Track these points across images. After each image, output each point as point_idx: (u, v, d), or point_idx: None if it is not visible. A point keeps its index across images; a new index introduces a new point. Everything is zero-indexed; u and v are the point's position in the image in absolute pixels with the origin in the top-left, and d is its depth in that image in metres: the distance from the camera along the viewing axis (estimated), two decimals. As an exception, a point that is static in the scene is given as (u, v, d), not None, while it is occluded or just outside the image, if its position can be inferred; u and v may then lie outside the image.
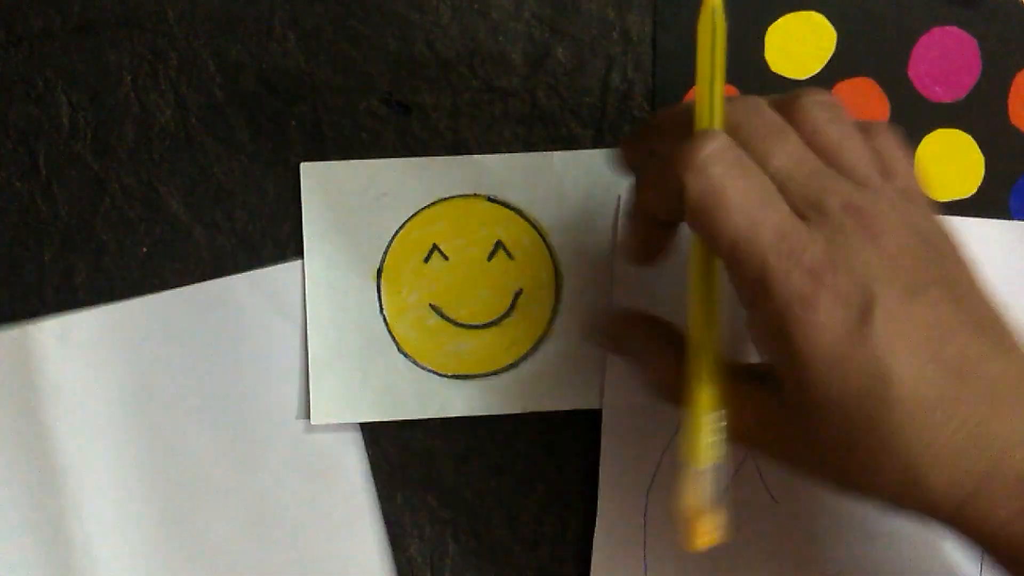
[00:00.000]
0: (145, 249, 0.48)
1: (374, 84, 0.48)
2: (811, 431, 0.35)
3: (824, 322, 0.33)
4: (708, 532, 0.37)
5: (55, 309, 0.48)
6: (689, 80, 0.48)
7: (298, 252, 0.48)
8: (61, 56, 0.48)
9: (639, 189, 0.40)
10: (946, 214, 0.48)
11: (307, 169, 0.48)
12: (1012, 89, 0.49)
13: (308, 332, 0.48)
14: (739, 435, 0.38)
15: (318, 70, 0.48)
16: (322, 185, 0.48)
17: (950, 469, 0.33)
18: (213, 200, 0.48)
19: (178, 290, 0.48)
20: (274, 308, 0.48)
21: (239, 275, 0.48)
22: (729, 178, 0.35)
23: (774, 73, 0.48)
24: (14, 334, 0.47)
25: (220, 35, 0.48)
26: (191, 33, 0.48)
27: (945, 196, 0.49)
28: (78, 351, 0.47)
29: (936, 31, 0.49)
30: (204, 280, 0.48)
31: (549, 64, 0.49)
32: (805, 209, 0.35)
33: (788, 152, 0.36)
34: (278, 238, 0.48)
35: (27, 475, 0.47)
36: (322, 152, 0.48)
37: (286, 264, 0.48)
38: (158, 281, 0.48)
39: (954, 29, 0.49)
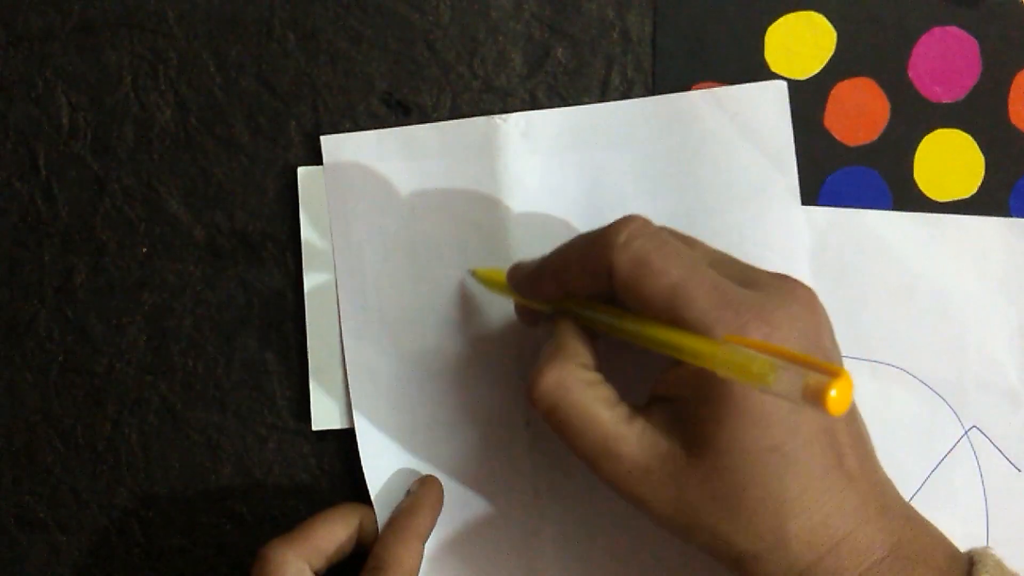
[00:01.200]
0: (145, 249, 0.48)
1: (374, 84, 0.48)
2: (707, 477, 0.36)
3: None
4: None
5: (55, 309, 0.48)
6: (688, 79, 0.48)
7: (311, 249, 0.48)
8: (61, 56, 0.48)
9: (555, 282, 0.40)
10: (946, 214, 0.48)
11: (304, 174, 0.48)
12: (1012, 89, 0.49)
13: (308, 339, 0.48)
14: (620, 476, 0.38)
15: (318, 70, 0.48)
16: (319, 189, 0.48)
17: (811, 535, 0.35)
18: (213, 200, 0.48)
19: (641, 100, 0.48)
20: (736, 128, 0.47)
21: (703, 91, 0.48)
22: (654, 247, 0.37)
23: (774, 73, 0.48)
24: (481, 123, 0.48)
25: (220, 35, 0.48)
26: (191, 33, 0.48)
27: (945, 196, 0.49)
28: (538, 146, 0.47)
29: (936, 31, 0.49)
30: (203, 279, 0.48)
31: (549, 64, 0.49)
32: (734, 278, 0.37)
33: (705, 248, 0.41)
34: (278, 238, 0.48)
35: (489, 262, 0.47)
36: (322, 152, 0.48)
37: (754, 84, 0.48)
38: (158, 281, 0.48)
39: (954, 29, 0.49)
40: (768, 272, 0.38)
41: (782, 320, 0.35)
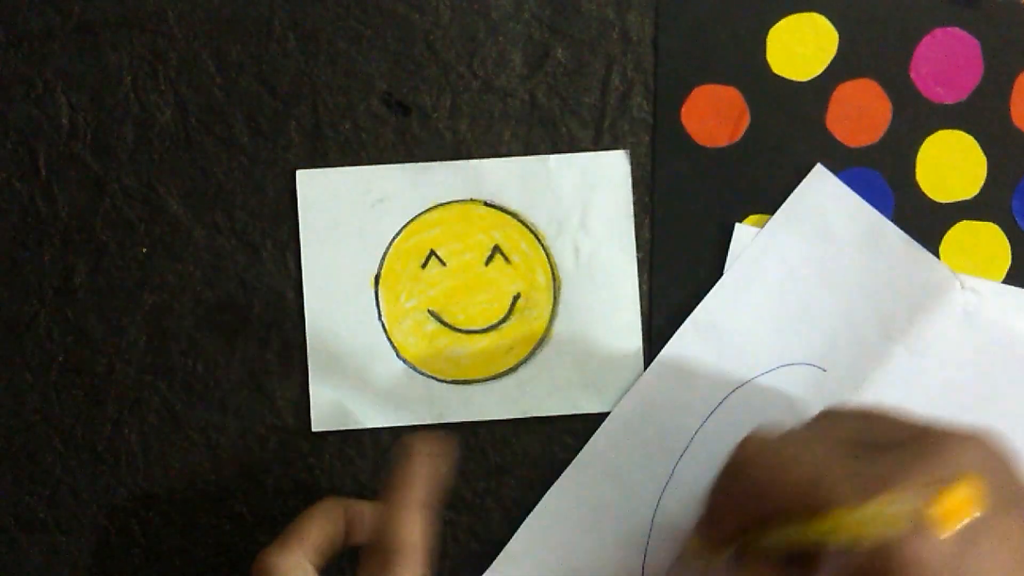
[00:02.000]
0: (145, 249, 0.48)
1: (374, 84, 0.48)
2: None
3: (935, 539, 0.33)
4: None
5: (55, 309, 0.48)
6: (689, 80, 0.48)
7: (311, 249, 0.48)
8: (61, 57, 0.48)
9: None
10: (948, 216, 0.48)
11: (303, 176, 0.48)
12: (1014, 90, 0.48)
13: (308, 339, 0.48)
14: None
15: (318, 70, 0.48)
16: (318, 192, 0.48)
17: None
18: (213, 200, 0.48)
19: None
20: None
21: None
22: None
23: (776, 75, 0.48)
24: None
25: (220, 35, 0.48)
26: (191, 34, 0.48)
27: (947, 197, 0.48)
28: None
29: (938, 32, 0.48)
30: (203, 280, 0.48)
31: (549, 64, 0.49)
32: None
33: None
34: (278, 238, 0.48)
35: None
36: (322, 152, 0.48)
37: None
38: (158, 281, 0.48)
39: (956, 30, 0.48)
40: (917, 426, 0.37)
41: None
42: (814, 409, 0.47)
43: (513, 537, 0.48)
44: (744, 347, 0.48)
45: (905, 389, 0.47)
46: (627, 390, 0.48)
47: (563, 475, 0.48)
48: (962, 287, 0.48)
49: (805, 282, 0.48)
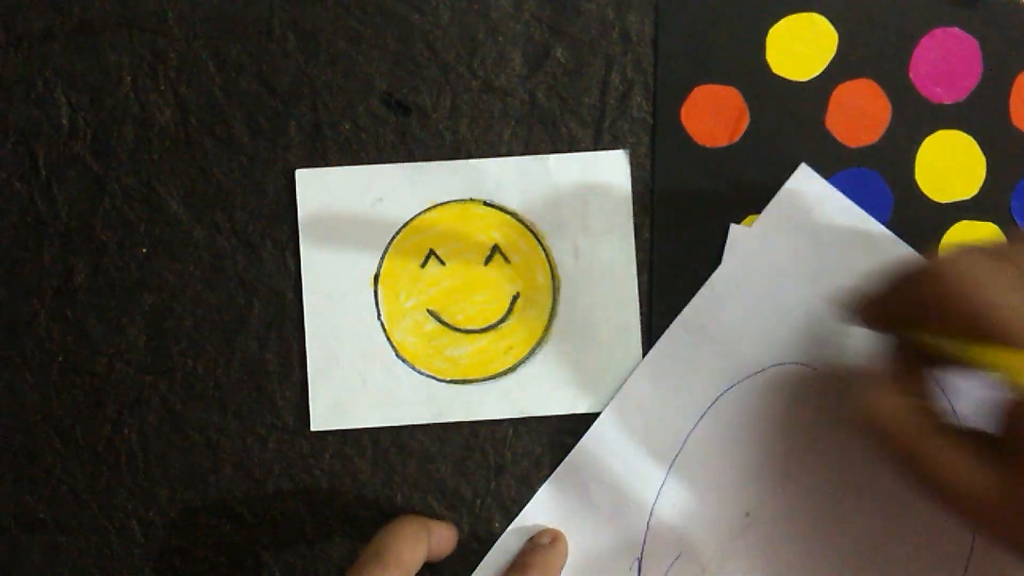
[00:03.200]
0: (145, 249, 0.48)
1: (373, 84, 0.48)
2: None
3: None
4: None
5: (55, 309, 0.48)
6: (689, 80, 0.48)
7: (310, 249, 0.48)
8: (61, 57, 0.48)
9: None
10: (947, 216, 0.48)
11: (302, 176, 0.48)
12: (1013, 90, 0.48)
13: (307, 339, 0.48)
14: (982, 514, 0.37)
15: (318, 70, 0.48)
16: (318, 191, 0.48)
17: None
18: (213, 200, 0.48)
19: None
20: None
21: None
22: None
23: (775, 75, 0.48)
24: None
25: (220, 36, 0.48)
26: (191, 34, 0.48)
27: (946, 197, 0.48)
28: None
29: (937, 32, 0.48)
30: (203, 280, 0.48)
31: (549, 64, 0.49)
32: None
33: None
34: (277, 238, 0.48)
35: None
36: (322, 152, 0.48)
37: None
38: (158, 281, 0.48)
39: (955, 30, 0.48)
40: None
41: None
42: (805, 409, 0.47)
43: (501, 536, 0.48)
44: (734, 347, 0.48)
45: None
46: (615, 392, 0.48)
47: (550, 479, 0.48)
48: None
49: (793, 281, 0.48)
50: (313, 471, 0.48)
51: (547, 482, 0.48)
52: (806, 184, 0.48)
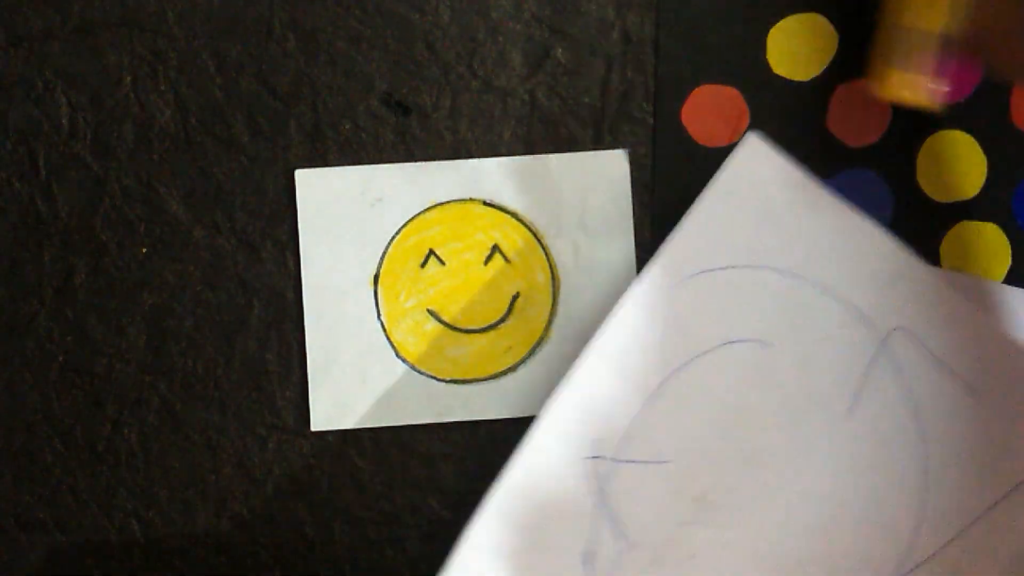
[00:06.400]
0: (145, 250, 0.48)
1: (374, 85, 0.48)
2: None
3: None
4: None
5: (55, 309, 0.48)
6: (689, 80, 0.48)
7: (310, 249, 0.48)
8: (61, 57, 0.48)
9: None
10: (948, 216, 0.48)
11: (302, 176, 0.48)
12: (1015, 90, 0.48)
13: (307, 339, 0.48)
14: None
15: (318, 70, 0.48)
16: (317, 192, 0.48)
17: None
18: (213, 201, 0.48)
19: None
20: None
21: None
22: None
23: (776, 75, 0.48)
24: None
25: (220, 36, 0.48)
26: (191, 34, 0.48)
27: (947, 197, 0.48)
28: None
29: (938, 32, 0.48)
30: (203, 280, 0.48)
31: (549, 64, 0.49)
32: None
33: None
34: (278, 238, 0.48)
35: None
36: (322, 152, 0.48)
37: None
38: (158, 281, 0.48)
39: (956, 30, 0.48)
40: None
41: None
42: (756, 386, 0.47)
43: (459, 544, 0.48)
44: (685, 326, 0.47)
45: (849, 354, 0.47)
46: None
47: (496, 481, 0.47)
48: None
49: (744, 255, 0.47)
50: (313, 471, 0.48)
51: (496, 486, 0.47)
52: (755, 155, 0.47)
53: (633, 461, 0.47)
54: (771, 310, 0.47)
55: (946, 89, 0.44)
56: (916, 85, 0.44)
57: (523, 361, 0.48)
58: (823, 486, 0.47)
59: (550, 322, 0.48)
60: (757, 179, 0.47)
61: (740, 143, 0.47)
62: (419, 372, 0.48)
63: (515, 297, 0.48)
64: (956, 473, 0.47)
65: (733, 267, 0.47)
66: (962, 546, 0.47)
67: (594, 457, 0.47)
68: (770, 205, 0.47)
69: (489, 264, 0.48)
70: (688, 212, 0.47)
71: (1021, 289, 0.48)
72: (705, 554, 0.47)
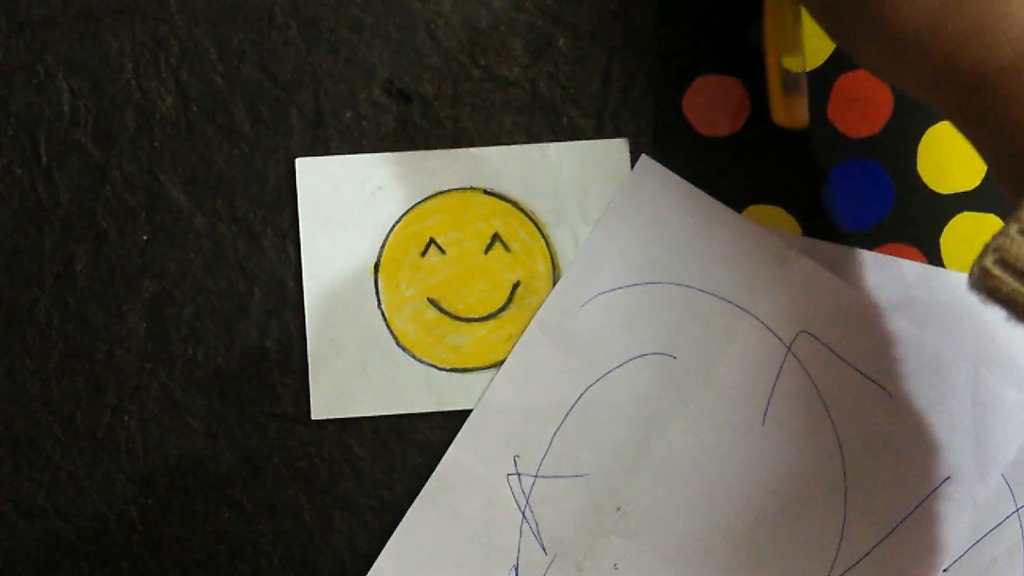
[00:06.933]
0: (146, 237, 0.48)
1: (375, 73, 0.48)
2: None
3: None
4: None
5: (55, 296, 0.48)
6: (690, 70, 0.48)
7: (311, 237, 0.48)
8: (62, 44, 0.48)
9: None
10: (949, 206, 0.48)
11: (303, 164, 0.48)
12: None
13: (307, 327, 0.48)
14: None
15: (319, 59, 0.48)
16: (318, 180, 0.48)
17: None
18: (214, 188, 0.48)
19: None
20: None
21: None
22: None
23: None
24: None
25: (221, 23, 0.48)
26: (192, 21, 0.48)
27: (948, 188, 0.48)
28: None
29: (940, 23, 0.48)
30: (203, 267, 0.48)
31: (550, 54, 0.49)
32: None
33: None
34: (279, 226, 0.48)
35: None
36: (323, 140, 0.48)
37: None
38: (158, 269, 0.48)
39: (958, 21, 0.48)
40: None
41: None
42: (667, 398, 0.47)
43: (380, 555, 0.48)
44: (592, 344, 0.48)
45: (756, 361, 0.48)
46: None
47: (418, 497, 0.48)
48: (799, 254, 0.48)
49: (646, 272, 0.48)
50: (313, 459, 0.48)
51: (415, 501, 0.48)
52: (648, 174, 0.48)
53: (553, 476, 0.48)
54: (675, 323, 0.48)
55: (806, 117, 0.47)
56: (793, 111, 0.46)
57: (523, 350, 0.49)
58: (741, 493, 0.48)
59: (550, 311, 0.49)
60: (651, 197, 0.48)
61: (636, 164, 0.48)
62: (419, 360, 0.48)
63: (515, 286, 0.48)
64: (876, 472, 0.47)
65: (636, 284, 0.48)
66: (892, 545, 0.47)
67: (516, 474, 0.48)
68: (666, 222, 0.48)
69: (490, 253, 0.48)
70: (588, 236, 0.48)
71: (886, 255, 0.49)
72: (627, 563, 0.47)
